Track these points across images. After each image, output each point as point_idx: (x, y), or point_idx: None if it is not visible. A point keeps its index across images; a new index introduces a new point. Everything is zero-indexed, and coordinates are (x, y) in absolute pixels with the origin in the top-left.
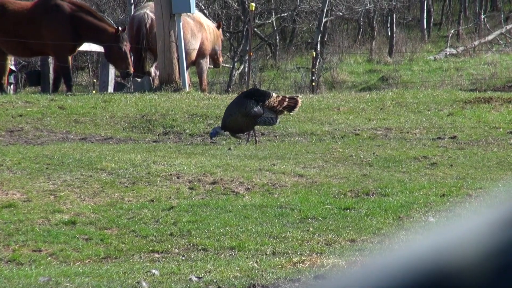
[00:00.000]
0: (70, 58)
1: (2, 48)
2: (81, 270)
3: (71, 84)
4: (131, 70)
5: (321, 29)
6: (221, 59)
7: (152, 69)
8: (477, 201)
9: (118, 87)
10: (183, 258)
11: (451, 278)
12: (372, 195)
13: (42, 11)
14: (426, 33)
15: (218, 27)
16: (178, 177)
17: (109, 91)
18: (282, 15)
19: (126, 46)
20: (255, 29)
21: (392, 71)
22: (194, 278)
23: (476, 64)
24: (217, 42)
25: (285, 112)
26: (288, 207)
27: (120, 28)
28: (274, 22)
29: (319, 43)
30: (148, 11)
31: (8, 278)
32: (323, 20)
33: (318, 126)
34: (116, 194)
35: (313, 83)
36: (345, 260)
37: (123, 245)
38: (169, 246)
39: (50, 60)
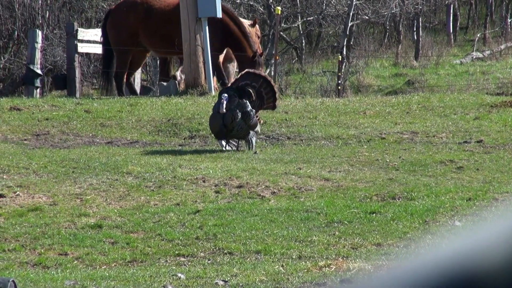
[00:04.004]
0: (219, 58)
1: (147, 47)
2: (107, 274)
3: (224, 82)
4: None
5: (347, 33)
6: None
7: (178, 73)
8: (503, 205)
9: (144, 91)
10: (209, 262)
11: (478, 282)
12: (398, 199)
13: None
14: (452, 37)
15: (253, 25)
16: (204, 181)
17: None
18: (308, 19)
19: (262, 71)
20: (281, 33)
21: (418, 75)
22: (220, 282)
23: (503, 68)
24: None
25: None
26: (314, 211)
27: (258, 52)
28: (300, 26)
29: (345, 47)
30: None
31: (35, 282)
32: (349, 24)
33: (344, 130)
34: (142, 197)
35: (339, 87)
36: (371, 264)
37: (149, 248)
38: (195, 249)
39: (76, 64)
